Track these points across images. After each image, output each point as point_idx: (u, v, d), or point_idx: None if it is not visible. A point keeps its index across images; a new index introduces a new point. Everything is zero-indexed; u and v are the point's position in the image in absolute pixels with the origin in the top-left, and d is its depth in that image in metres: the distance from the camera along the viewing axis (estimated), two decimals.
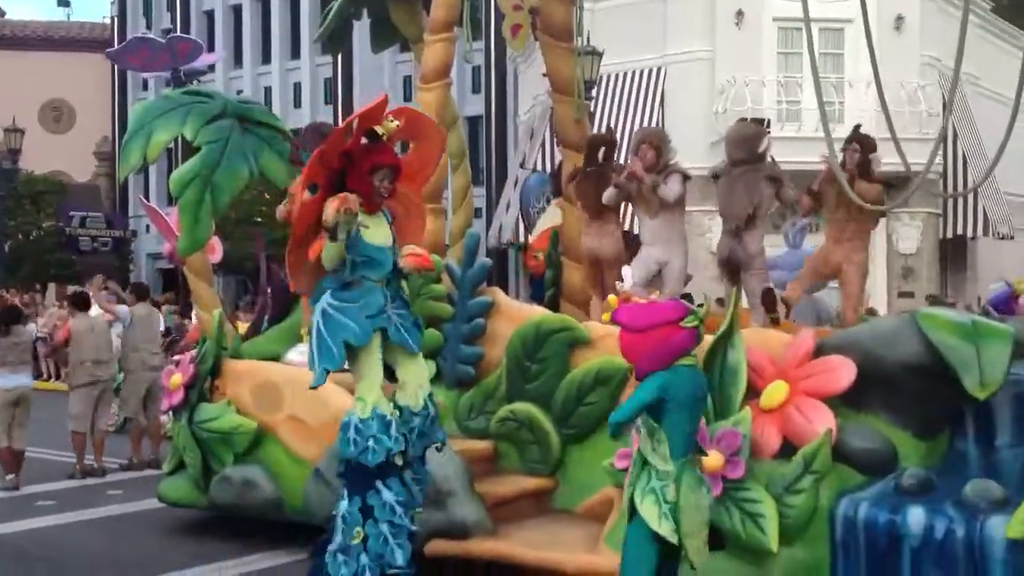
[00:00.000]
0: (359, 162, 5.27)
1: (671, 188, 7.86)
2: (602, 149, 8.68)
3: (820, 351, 6.07)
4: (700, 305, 8.17)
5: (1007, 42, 26.14)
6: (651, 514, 4.81)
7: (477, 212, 31.80)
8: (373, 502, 5.41)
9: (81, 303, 11.11)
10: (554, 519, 7.09)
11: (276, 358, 8.14)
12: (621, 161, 9.81)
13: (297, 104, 34.78)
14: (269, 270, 8.89)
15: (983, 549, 5.13)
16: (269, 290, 8.75)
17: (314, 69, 34.07)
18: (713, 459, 5.67)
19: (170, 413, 8.35)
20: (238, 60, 36.20)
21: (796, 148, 14.87)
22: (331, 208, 5.03)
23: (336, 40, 10.53)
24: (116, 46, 26.60)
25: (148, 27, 37.49)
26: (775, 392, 5.98)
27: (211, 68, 31.13)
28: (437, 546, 6.65)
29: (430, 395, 5.72)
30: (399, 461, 5.43)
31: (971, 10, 12.22)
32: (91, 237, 26.63)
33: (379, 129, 5.29)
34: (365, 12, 10.38)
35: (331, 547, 5.42)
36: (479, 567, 6.68)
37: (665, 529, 4.79)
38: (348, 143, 5.27)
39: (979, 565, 5.14)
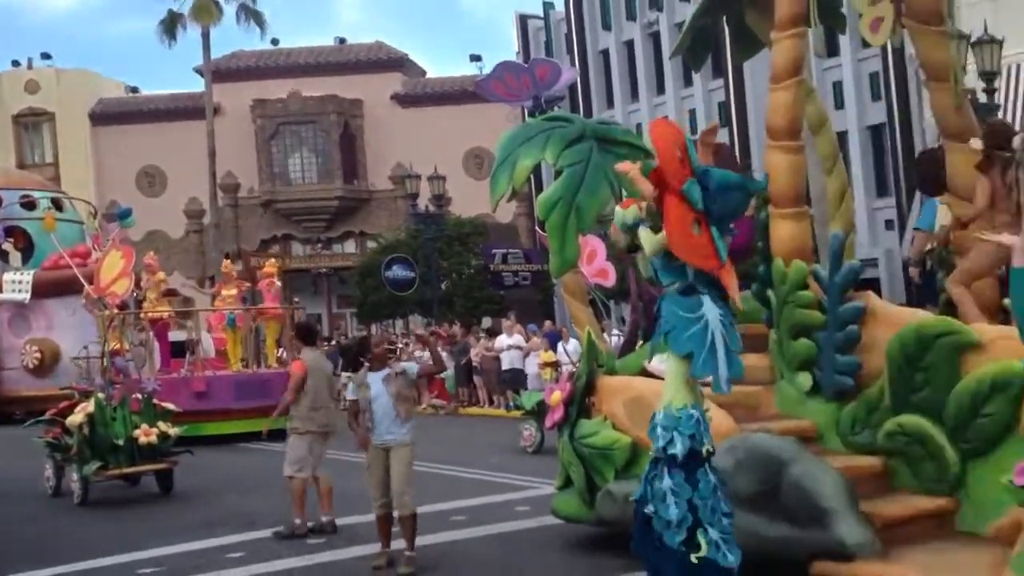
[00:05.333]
0: None
1: None
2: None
3: None
4: None
5: None
6: None
7: (888, 224, 30.10)
8: None
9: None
10: (956, 542, 6.53)
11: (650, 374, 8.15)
12: None
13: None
14: (640, 286, 8.95)
15: None
16: (641, 306, 8.81)
17: (707, 95, 34.15)
18: None
19: (555, 430, 8.64)
20: (634, 94, 37.21)
21: None
22: None
23: (695, 55, 10.41)
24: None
25: None
26: None
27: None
28: (823, 568, 6.36)
29: None
30: None
31: None
32: (512, 272, 28.28)
33: None
34: (725, 22, 10.17)
35: None
36: None
37: None
38: None
39: None
